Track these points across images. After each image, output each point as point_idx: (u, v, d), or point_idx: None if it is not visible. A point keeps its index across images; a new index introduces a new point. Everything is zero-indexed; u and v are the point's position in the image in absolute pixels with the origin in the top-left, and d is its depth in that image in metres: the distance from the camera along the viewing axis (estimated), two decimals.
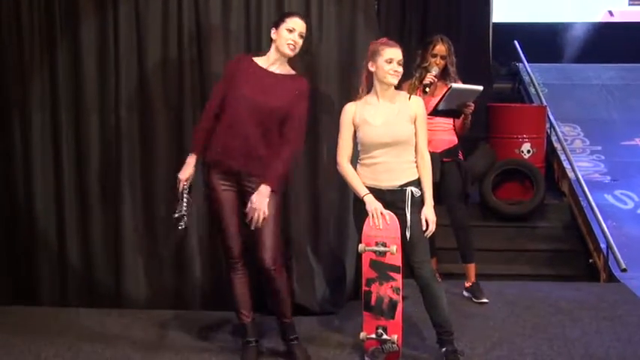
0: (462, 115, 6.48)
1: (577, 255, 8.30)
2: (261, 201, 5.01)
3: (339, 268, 6.60)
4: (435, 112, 6.40)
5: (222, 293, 6.28)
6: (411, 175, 5.16)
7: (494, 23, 11.02)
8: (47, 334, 6.04)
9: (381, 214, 5.05)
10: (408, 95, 5.21)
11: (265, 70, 5.31)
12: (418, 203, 5.12)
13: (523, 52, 11.64)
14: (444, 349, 5.23)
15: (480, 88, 6.52)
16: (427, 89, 6.49)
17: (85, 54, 6.65)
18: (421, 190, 5.15)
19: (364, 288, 5.15)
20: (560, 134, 9.77)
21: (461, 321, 6.22)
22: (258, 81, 5.28)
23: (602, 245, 7.83)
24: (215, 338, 5.95)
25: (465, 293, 6.90)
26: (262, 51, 5.84)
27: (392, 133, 5.12)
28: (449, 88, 6.28)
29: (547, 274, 8.05)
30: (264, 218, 5.01)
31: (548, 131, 9.72)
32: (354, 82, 6.17)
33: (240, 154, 5.18)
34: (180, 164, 5.81)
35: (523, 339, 5.86)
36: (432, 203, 5.12)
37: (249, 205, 5.03)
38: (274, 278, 5.18)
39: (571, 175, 9.07)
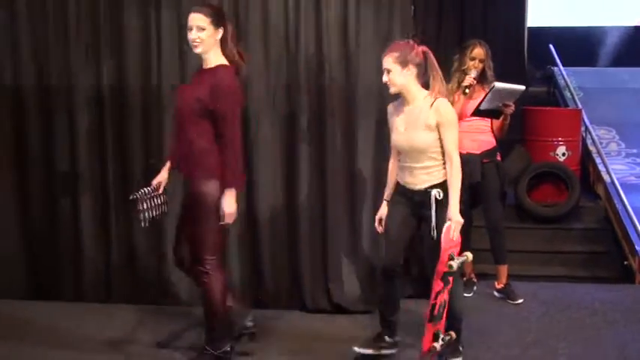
0: (502, 116, 6.48)
1: (612, 257, 8.25)
2: (228, 204, 5.00)
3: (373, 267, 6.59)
4: (476, 113, 6.44)
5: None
6: (434, 179, 5.15)
7: (529, 28, 10.98)
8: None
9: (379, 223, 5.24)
10: (432, 101, 5.11)
11: (200, 69, 5.21)
12: (443, 205, 5.11)
13: (558, 56, 11.57)
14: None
15: (522, 87, 6.56)
16: (466, 91, 6.51)
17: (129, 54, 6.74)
18: (447, 192, 5.12)
19: (432, 301, 5.04)
20: (595, 137, 9.73)
21: (496, 321, 6.31)
22: (192, 80, 5.29)
23: (638, 247, 7.79)
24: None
25: (497, 294, 6.92)
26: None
27: (410, 141, 5.15)
28: (492, 87, 6.30)
29: (582, 276, 8.00)
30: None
31: (584, 134, 9.68)
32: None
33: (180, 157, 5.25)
34: None
35: (557, 340, 5.87)
36: (457, 205, 5.08)
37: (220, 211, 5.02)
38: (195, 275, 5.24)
39: (606, 177, 9.02)
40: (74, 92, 6.74)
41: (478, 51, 6.62)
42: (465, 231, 6.69)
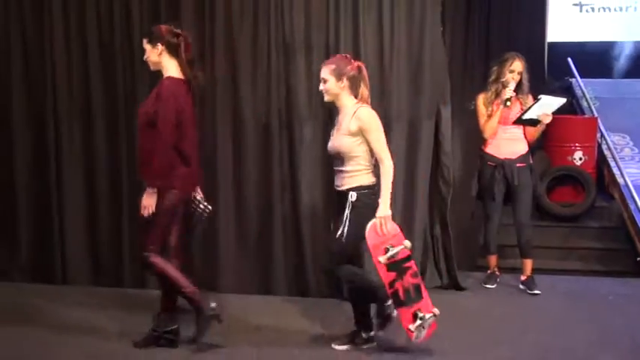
0: (539, 124, 6.50)
1: (625, 253, 8.19)
2: (145, 198, 5.04)
3: None
4: (517, 121, 6.50)
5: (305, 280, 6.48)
6: (354, 183, 5.08)
7: (549, 42, 10.88)
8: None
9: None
10: (355, 109, 5.05)
11: None
12: (358, 207, 5.02)
13: (576, 68, 11.48)
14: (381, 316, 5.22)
15: (564, 100, 6.70)
16: (508, 103, 6.50)
17: None
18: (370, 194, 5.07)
19: (390, 290, 5.04)
20: (610, 143, 9.66)
21: (516, 311, 6.31)
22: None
23: None
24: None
25: (521, 286, 6.84)
26: None
27: (335, 146, 5.14)
28: (538, 99, 6.37)
29: (597, 270, 7.99)
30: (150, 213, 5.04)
31: (599, 140, 9.59)
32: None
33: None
34: (267, 168, 6.22)
35: (573, 328, 5.83)
36: (387, 202, 4.99)
37: None
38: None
39: (620, 180, 8.95)
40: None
41: (517, 64, 6.59)
42: (486, 226, 6.70)
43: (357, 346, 5.19)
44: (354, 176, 5.08)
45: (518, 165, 6.63)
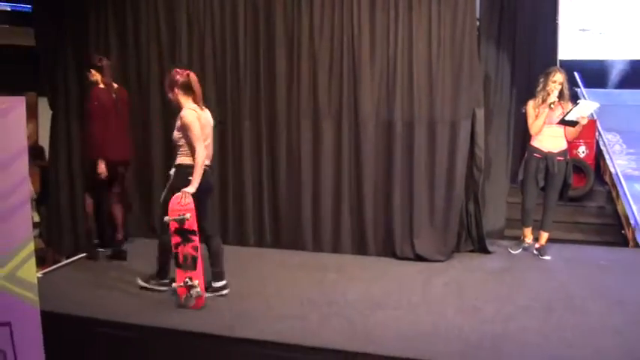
0: (578, 125, 6.42)
1: (615, 228, 8.08)
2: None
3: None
4: (560, 121, 6.42)
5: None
6: (177, 162, 5.22)
7: (560, 60, 10.74)
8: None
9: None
10: (181, 111, 5.18)
11: None
12: (175, 180, 5.19)
13: (581, 80, 11.30)
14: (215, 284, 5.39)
15: (598, 104, 6.64)
16: (552, 106, 6.42)
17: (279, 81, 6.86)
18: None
19: (174, 250, 5.11)
20: (605, 140, 9.50)
21: (532, 272, 6.25)
22: None
23: (632, 221, 7.62)
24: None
25: (535, 252, 6.79)
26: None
27: (172, 136, 5.28)
28: (577, 102, 6.36)
29: (593, 241, 7.86)
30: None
31: (598, 138, 9.45)
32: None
33: None
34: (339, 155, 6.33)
35: (574, 286, 5.82)
36: (196, 182, 5.07)
37: None
38: None
39: (612, 169, 8.82)
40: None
41: (558, 76, 6.48)
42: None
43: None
44: (178, 158, 5.22)
45: (558, 158, 6.53)
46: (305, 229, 6.84)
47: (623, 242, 7.70)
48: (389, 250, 6.67)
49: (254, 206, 6.99)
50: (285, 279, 5.89)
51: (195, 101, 5.22)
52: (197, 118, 5.13)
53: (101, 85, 6.14)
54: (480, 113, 6.66)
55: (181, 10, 7.05)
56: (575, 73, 11.44)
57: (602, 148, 9.41)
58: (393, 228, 6.63)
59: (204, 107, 5.32)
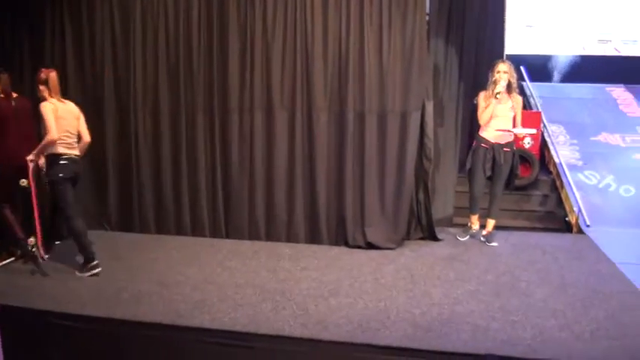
0: None
1: (558, 214, 8.21)
2: None
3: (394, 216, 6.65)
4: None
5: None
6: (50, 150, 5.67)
7: (507, 54, 10.88)
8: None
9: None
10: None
11: None
12: (48, 165, 5.70)
13: (527, 74, 11.47)
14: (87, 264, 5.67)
15: (534, 130, 6.97)
16: (497, 96, 6.49)
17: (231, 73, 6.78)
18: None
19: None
20: (550, 131, 9.66)
21: (479, 258, 6.33)
22: None
23: (575, 208, 7.75)
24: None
25: (482, 239, 6.88)
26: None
27: None
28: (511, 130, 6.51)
29: (538, 227, 7.96)
30: None
31: (542, 129, 9.60)
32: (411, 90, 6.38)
33: None
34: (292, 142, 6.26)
35: (520, 271, 5.91)
36: (36, 153, 5.68)
37: None
38: None
39: (556, 159, 8.96)
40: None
41: (502, 66, 6.56)
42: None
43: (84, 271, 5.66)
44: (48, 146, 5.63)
45: (504, 149, 6.61)
46: (259, 218, 6.82)
47: (567, 229, 7.85)
48: (341, 239, 6.69)
49: (208, 197, 6.94)
50: (239, 268, 5.87)
51: (52, 95, 5.65)
52: (53, 110, 5.59)
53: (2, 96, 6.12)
54: (430, 105, 6.72)
55: (135, 2, 6.93)
56: (522, 68, 11.63)
57: (547, 139, 9.55)
58: (345, 217, 6.64)
59: (65, 101, 5.76)
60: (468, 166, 6.78)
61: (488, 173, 6.68)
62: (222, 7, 6.75)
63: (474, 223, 6.95)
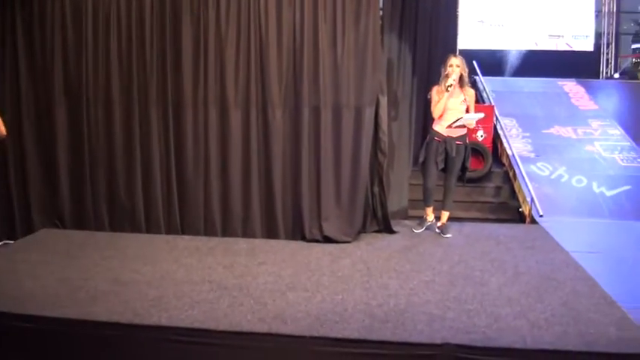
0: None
1: (511, 205, 8.35)
2: None
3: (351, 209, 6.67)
4: (448, 126, 6.59)
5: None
6: None
7: (460, 49, 11.00)
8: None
9: None
10: None
11: None
12: None
13: (479, 69, 11.62)
14: None
15: (482, 115, 7.02)
16: (449, 89, 6.54)
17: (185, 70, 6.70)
18: None
19: None
20: (502, 124, 9.81)
21: (434, 249, 6.38)
22: None
23: (528, 199, 7.89)
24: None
25: (437, 230, 6.95)
26: None
27: None
28: (460, 118, 6.51)
29: (491, 218, 8.12)
30: None
31: (495, 122, 9.74)
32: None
33: None
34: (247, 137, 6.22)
35: (474, 260, 5.98)
36: None
37: None
38: None
39: (509, 152, 9.11)
40: None
41: (454, 60, 6.62)
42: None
43: None
44: None
45: (457, 142, 6.66)
46: (214, 214, 6.76)
47: (520, 219, 7.98)
48: (298, 233, 6.67)
49: (163, 193, 6.82)
50: (195, 265, 5.80)
51: None
52: None
53: None
54: (384, 100, 6.74)
55: None
56: (474, 62, 11.77)
57: (500, 132, 9.71)
58: (301, 211, 6.63)
59: None
60: (421, 159, 6.84)
61: (441, 166, 6.74)
62: (176, 4, 6.65)
63: (429, 215, 7.00)
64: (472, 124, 6.68)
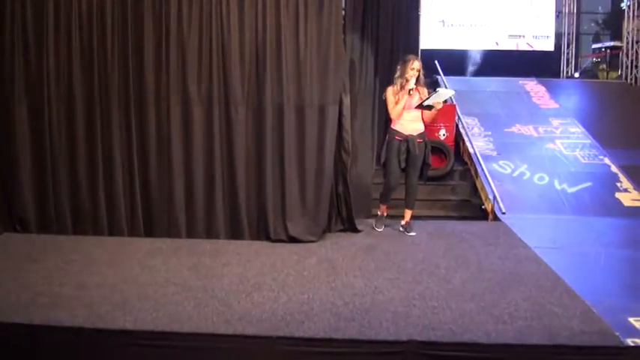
0: (433, 109, 6.60)
1: (474, 203, 8.42)
2: None
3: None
4: (419, 106, 6.58)
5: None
6: None
7: (421, 49, 11.07)
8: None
9: None
10: None
11: None
12: None
13: (441, 68, 11.71)
14: None
15: (453, 91, 7.34)
16: (411, 92, 6.57)
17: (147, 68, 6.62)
18: None
19: None
20: (464, 123, 9.88)
21: (398, 247, 6.41)
22: None
23: (490, 196, 7.96)
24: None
25: (400, 229, 6.98)
26: None
27: None
28: (436, 90, 6.57)
29: (454, 216, 8.17)
30: None
31: (457, 122, 9.81)
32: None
33: None
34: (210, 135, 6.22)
35: (438, 258, 6.03)
36: None
37: None
38: None
39: (471, 150, 9.17)
40: None
41: (416, 63, 6.64)
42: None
43: None
44: None
45: (417, 140, 6.70)
46: (178, 215, 6.67)
47: (483, 216, 8.06)
48: (263, 234, 6.64)
49: (125, 194, 6.70)
50: (159, 267, 5.73)
51: None
52: None
53: None
54: (347, 99, 6.77)
55: None
56: (436, 62, 11.88)
57: (462, 130, 9.78)
58: (266, 211, 6.60)
59: None
60: (382, 158, 6.89)
61: (403, 165, 6.77)
62: (137, 1, 6.56)
63: (384, 211, 7.07)
64: (440, 104, 6.63)
